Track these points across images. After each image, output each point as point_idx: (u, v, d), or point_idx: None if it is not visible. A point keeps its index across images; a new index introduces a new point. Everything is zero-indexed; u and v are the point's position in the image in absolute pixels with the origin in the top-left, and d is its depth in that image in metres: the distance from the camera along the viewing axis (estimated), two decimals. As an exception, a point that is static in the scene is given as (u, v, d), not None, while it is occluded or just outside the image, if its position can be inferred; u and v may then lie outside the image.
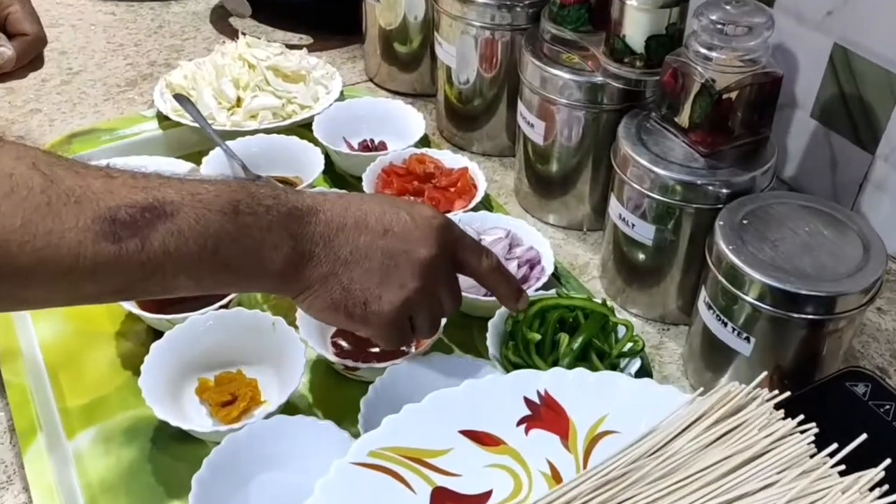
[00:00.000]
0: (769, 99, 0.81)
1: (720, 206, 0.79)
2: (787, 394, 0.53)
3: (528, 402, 0.55)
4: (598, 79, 0.91)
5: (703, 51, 0.79)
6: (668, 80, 0.83)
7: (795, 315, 0.71)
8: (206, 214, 0.53)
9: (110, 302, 0.57)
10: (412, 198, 0.98)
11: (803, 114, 1.02)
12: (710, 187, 0.79)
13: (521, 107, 1.00)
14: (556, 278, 0.89)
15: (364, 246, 0.60)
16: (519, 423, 0.55)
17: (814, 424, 0.53)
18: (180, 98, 1.06)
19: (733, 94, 0.78)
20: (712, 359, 0.79)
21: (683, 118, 0.82)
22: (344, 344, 0.83)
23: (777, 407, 0.66)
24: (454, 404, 0.54)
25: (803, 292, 0.69)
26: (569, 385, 0.56)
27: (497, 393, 0.55)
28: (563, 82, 0.92)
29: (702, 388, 0.56)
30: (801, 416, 0.53)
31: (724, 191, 0.79)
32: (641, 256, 0.87)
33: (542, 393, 0.56)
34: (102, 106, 1.23)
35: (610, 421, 0.54)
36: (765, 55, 0.78)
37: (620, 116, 0.91)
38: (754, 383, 0.55)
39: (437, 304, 0.66)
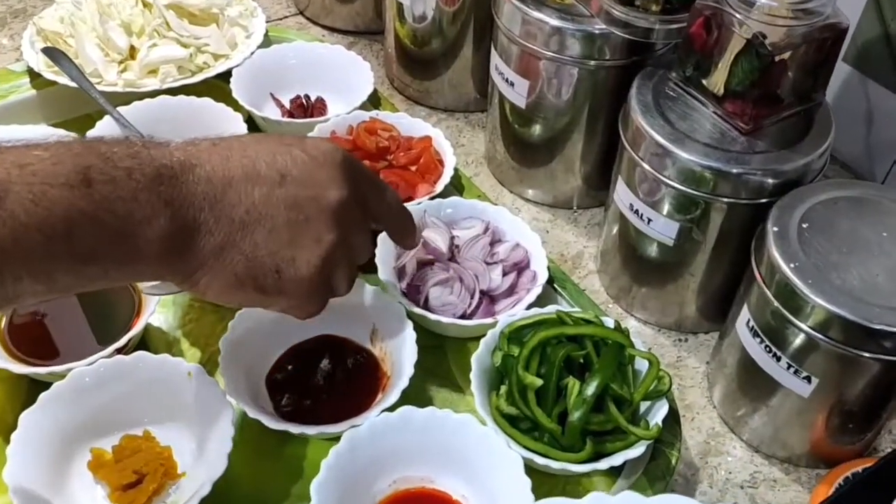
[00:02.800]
0: (830, 57, 0.62)
1: (764, 199, 0.62)
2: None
3: (558, 551, 0.38)
4: (599, 26, 0.70)
5: (747, -6, 0.59)
6: (696, 32, 0.63)
7: (870, 354, 0.54)
8: (48, 191, 0.40)
9: None
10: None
11: (833, 58, 0.84)
12: (753, 176, 0.61)
13: (495, 59, 0.79)
14: (548, 282, 0.70)
15: (261, 200, 0.48)
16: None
17: None
18: (52, 52, 0.82)
19: (787, 54, 0.59)
20: (752, 392, 0.63)
21: (717, 83, 0.63)
22: (283, 384, 0.64)
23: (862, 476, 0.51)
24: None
25: (885, 327, 0.53)
26: (613, 519, 0.39)
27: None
28: (552, 30, 0.72)
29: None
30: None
31: (771, 181, 0.61)
32: (656, 254, 0.69)
33: (577, 535, 0.39)
34: (-39, 54, 0.97)
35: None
36: (830, 2, 0.59)
37: (624, 74, 0.72)
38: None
39: (353, 253, 0.54)
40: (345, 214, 0.51)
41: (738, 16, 0.60)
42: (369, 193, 0.54)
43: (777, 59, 0.59)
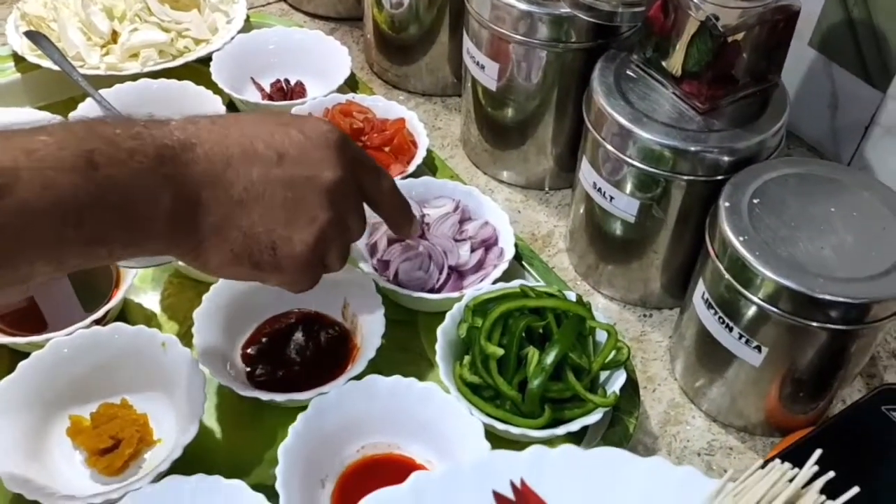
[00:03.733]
0: (783, 39, 0.64)
1: (720, 176, 0.64)
2: (856, 490, 0.39)
3: (499, 498, 0.40)
4: (564, 10, 0.72)
5: (702, -22, 0.61)
6: (655, 15, 0.65)
7: (817, 324, 0.57)
8: (55, 178, 0.41)
9: None
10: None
11: (799, 42, 0.86)
12: (709, 154, 0.63)
13: (467, 43, 0.81)
14: (517, 259, 0.73)
15: (259, 179, 0.49)
16: (488, 531, 0.40)
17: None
18: (35, 36, 0.84)
19: (741, 36, 0.62)
20: (709, 363, 0.65)
21: (675, 64, 0.65)
22: (257, 356, 0.66)
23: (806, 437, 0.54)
24: (398, 512, 0.39)
25: (828, 297, 0.55)
26: (554, 470, 0.42)
27: (457, 489, 0.40)
28: (520, 14, 0.74)
29: (731, 472, 0.42)
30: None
31: (727, 158, 0.64)
32: (620, 232, 0.71)
33: (518, 484, 0.41)
34: (-53, 39, 0.99)
35: (611, 521, 0.40)
36: (781, -16, 0.61)
37: (589, 56, 0.74)
38: (810, 464, 0.41)
39: (348, 232, 0.56)
40: (339, 195, 0.52)
41: (695, -1, 0.62)
42: (365, 177, 0.56)
43: (730, 40, 0.61)
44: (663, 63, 0.66)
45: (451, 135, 0.92)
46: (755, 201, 0.60)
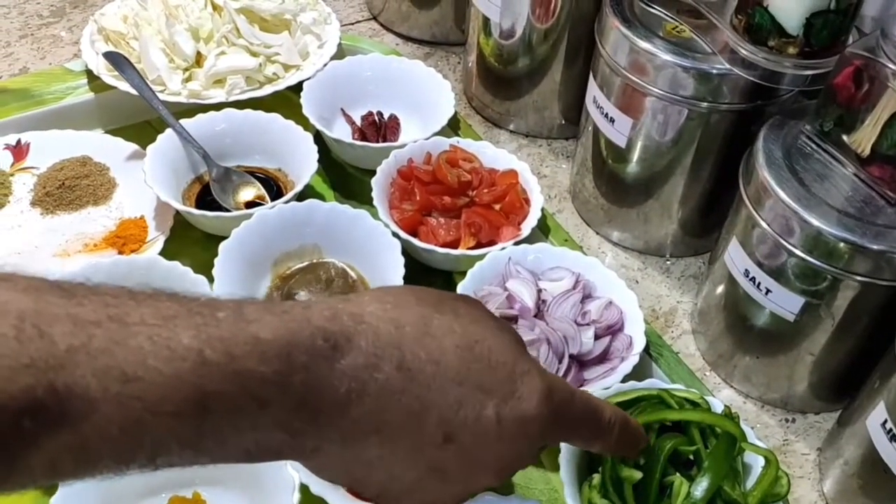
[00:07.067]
0: None
1: (909, 281, 0.54)
2: None
3: None
4: (717, 65, 0.63)
5: (910, 45, 0.51)
6: (842, 83, 0.55)
7: None
8: (145, 419, 0.31)
9: None
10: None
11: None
12: (898, 254, 0.53)
13: (594, 89, 0.71)
14: (644, 349, 0.63)
15: (404, 455, 0.37)
16: None
17: None
18: (114, 58, 0.76)
19: (954, 118, 0.51)
20: (879, 494, 0.55)
21: (862, 142, 0.55)
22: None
23: None
24: None
25: None
26: None
27: None
28: (663, 64, 0.64)
29: None
30: None
31: (920, 260, 0.53)
32: (770, 326, 0.62)
33: None
34: (17, 46, 0.92)
35: None
36: None
37: (739, 118, 0.65)
38: None
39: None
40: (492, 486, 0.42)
41: (894, 67, 0.52)
42: (576, 441, 0.47)
43: (943, 123, 0.51)
44: (846, 138, 0.56)
45: (558, 185, 0.83)
46: (963, 321, 0.50)
